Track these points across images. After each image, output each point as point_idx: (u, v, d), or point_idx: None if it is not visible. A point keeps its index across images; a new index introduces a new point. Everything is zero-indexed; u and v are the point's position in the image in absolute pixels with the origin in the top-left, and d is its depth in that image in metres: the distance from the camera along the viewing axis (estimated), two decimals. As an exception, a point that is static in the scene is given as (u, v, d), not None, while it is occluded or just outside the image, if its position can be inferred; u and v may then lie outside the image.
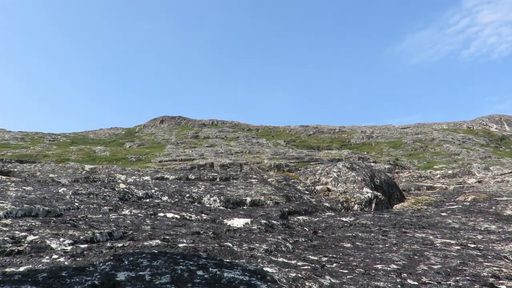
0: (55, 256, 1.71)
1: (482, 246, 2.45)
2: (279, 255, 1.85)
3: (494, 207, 6.23)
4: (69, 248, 1.84)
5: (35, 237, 1.97)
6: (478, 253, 2.21)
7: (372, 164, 27.58)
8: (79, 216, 2.89)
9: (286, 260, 1.78)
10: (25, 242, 1.93)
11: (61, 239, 1.95)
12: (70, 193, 5.27)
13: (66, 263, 1.73)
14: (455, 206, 6.65)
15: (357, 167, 10.37)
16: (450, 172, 21.54)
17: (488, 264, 2.57)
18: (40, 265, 1.78)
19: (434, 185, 14.40)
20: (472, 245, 2.48)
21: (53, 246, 1.87)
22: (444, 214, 5.57)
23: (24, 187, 5.36)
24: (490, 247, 2.43)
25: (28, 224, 2.30)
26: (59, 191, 5.38)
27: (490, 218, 4.88)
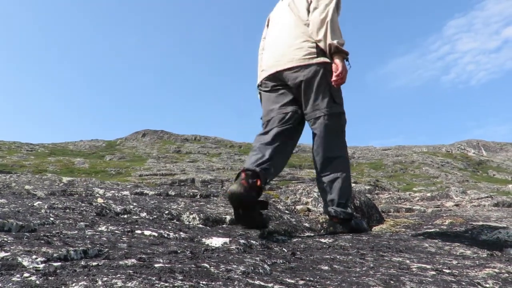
0: (26, 275, 1.67)
1: (457, 272, 2.49)
2: (256, 277, 1.85)
3: (470, 232, 6.35)
4: (41, 266, 1.80)
5: (6, 254, 1.93)
6: (453, 279, 2.24)
7: (353, 185, 27.82)
8: (53, 232, 2.83)
9: (262, 283, 1.77)
10: (-4, 259, 1.88)
11: (34, 257, 1.91)
12: (46, 207, 5.16)
13: (37, 282, 1.68)
14: (432, 230, 6.75)
15: (338, 187, 10.46)
16: (428, 194, 21.91)
17: (462, 290, 2.61)
18: (10, 283, 1.73)
19: (413, 207, 14.60)
20: (447, 271, 2.52)
21: (25, 263, 1.83)
22: (421, 237, 5.64)
23: (-2, 199, 5.23)
24: (465, 273, 2.48)
25: (0, 240, 2.24)
26: (34, 204, 5.26)
27: (466, 243, 4.96)
